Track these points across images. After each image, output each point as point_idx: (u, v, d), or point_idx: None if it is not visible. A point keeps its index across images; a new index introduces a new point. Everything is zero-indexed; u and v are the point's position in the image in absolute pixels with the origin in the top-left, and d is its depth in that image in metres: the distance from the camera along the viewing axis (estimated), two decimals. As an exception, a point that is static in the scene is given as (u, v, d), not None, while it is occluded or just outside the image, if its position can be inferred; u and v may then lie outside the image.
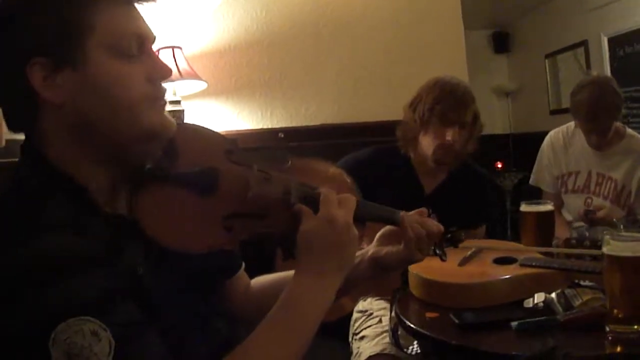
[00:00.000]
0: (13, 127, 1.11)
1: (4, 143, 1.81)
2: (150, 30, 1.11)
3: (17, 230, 0.94)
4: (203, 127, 1.27)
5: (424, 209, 1.42)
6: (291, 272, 1.18)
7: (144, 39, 1.08)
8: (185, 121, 3.37)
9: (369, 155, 2.79)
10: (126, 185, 1.11)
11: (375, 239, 1.45)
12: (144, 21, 1.10)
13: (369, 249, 1.43)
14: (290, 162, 1.29)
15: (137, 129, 1.05)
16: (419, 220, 1.36)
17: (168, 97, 3.17)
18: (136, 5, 1.10)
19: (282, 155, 1.33)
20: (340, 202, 1.17)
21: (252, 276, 1.50)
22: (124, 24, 1.05)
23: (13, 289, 0.89)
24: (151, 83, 1.08)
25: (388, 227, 1.43)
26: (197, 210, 1.10)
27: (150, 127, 1.07)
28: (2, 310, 0.88)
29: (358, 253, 1.36)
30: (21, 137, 1.77)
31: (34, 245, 0.91)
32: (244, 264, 1.45)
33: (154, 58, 1.10)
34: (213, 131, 1.27)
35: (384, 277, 1.49)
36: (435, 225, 1.38)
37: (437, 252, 1.43)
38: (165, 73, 1.11)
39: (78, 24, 1.01)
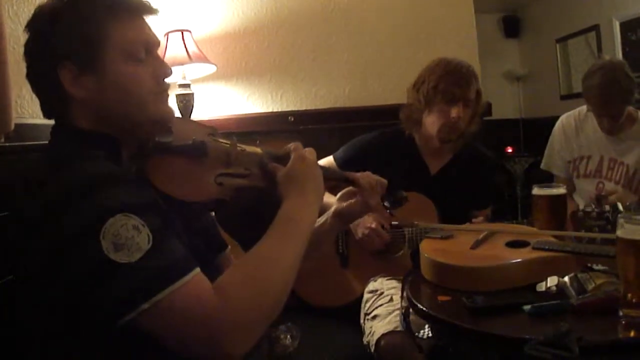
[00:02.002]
0: (47, 115, 1.38)
1: (12, 127, 1.82)
2: (156, 37, 1.41)
3: (68, 158, 1.23)
4: (188, 118, 1.71)
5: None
6: None
7: (150, 45, 1.38)
8: (193, 105, 3.37)
9: (375, 137, 2.85)
10: (135, 158, 1.39)
11: (336, 199, 1.81)
12: (150, 29, 1.40)
13: (332, 208, 1.79)
14: (258, 141, 1.70)
15: (145, 116, 1.35)
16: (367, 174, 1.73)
17: (178, 80, 3.20)
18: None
19: (252, 139, 1.75)
20: (308, 150, 1.52)
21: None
22: (135, 34, 1.34)
23: (73, 196, 1.13)
24: (156, 80, 1.37)
25: (346, 189, 1.79)
26: (194, 170, 1.42)
27: (156, 115, 1.37)
28: (63, 215, 1.12)
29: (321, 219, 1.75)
30: (30, 121, 1.83)
31: (84, 165, 1.20)
32: (229, 247, 1.70)
33: (158, 60, 1.40)
34: (196, 121, 1.70)
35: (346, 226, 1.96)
36: (377, 178, 1.73)
37: (385, 204, 1.81)
38: (167, 72, 1.40)
39: (97, 37, 1.29)
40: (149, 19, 1.41)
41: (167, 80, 1.41)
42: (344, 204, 1.77)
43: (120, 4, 1.34)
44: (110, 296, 1.09)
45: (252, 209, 1.48)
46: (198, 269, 1.17)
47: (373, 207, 1.74)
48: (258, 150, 1.57)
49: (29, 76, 1.35)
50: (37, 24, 1.32)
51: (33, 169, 1.33)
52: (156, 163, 1.38)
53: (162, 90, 1.39)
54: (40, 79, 1.34)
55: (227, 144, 1.52)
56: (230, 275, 1.23)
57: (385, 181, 1.74)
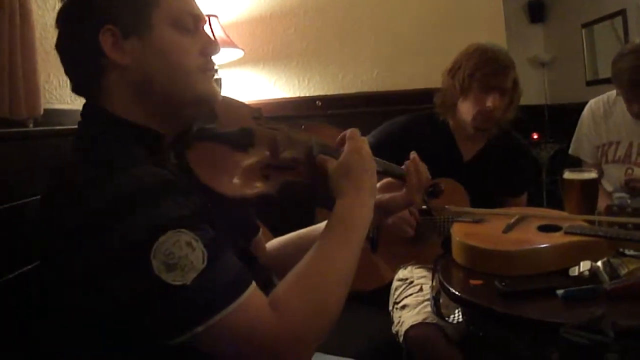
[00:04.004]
0: (77, 89, 1.30)
1: (42, 112, 1.85)
2: (202, 13, 1.33)
3: (110, 166, 1.10)
4: (232, 98, 1.48)
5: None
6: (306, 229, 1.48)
7: (198, 19, 1.30)
8: (221, 90, 3.38)
9: (407, 121, 2.81)
10: (175, 146, 1.30)
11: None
12: (197, 5, 1.33)
13: None
14: (303, 127, 1.55)
15: (190, 93, 1.25)
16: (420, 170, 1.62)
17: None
18: None
19: (296, 124, 1.59)
20: (362, 140, 1.43)
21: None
22: (183, 3, 1.28)
23: (121, 208, 1.04)
24: (203, 56, 1.28)
25: (386, 180, 1.67)
26: (239, 162, 1.28)
27: (201, 93, 1.27)
28: (110, 229, 1.03)
29: None
30: (57, 106, 1.84)
31: (131, 171, 1.09)
32: (261, 230, 1.65)
33: (206, 36, 1.31)
34: (240, 101, 1.50)
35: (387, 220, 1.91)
36: (425, 172, 1.64)
37: (424, 198, 1.74)
38: (215, 49, 1.31)
39: (145, 0, 1.21)
40: None
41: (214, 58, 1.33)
42: (387, 197, 1.65)
43: None
44: (162, 319, 1.04)
45: (294, 202, 1.43)
46: (253, 284, 1.11)
47: (416, 202, 1.65)
48: (307, 138, 1.44)
49: (60, 45, 1.26)
50: None
51: (67, 162, 1.21)
52: (199, 152, 1.26)
53: (209, 68, 1.30)
54: (77, 44, 1.23)
55: (275, 130, 1.39)
56: (286, 287, 1.17)
57: (429, 175, 1.66)
